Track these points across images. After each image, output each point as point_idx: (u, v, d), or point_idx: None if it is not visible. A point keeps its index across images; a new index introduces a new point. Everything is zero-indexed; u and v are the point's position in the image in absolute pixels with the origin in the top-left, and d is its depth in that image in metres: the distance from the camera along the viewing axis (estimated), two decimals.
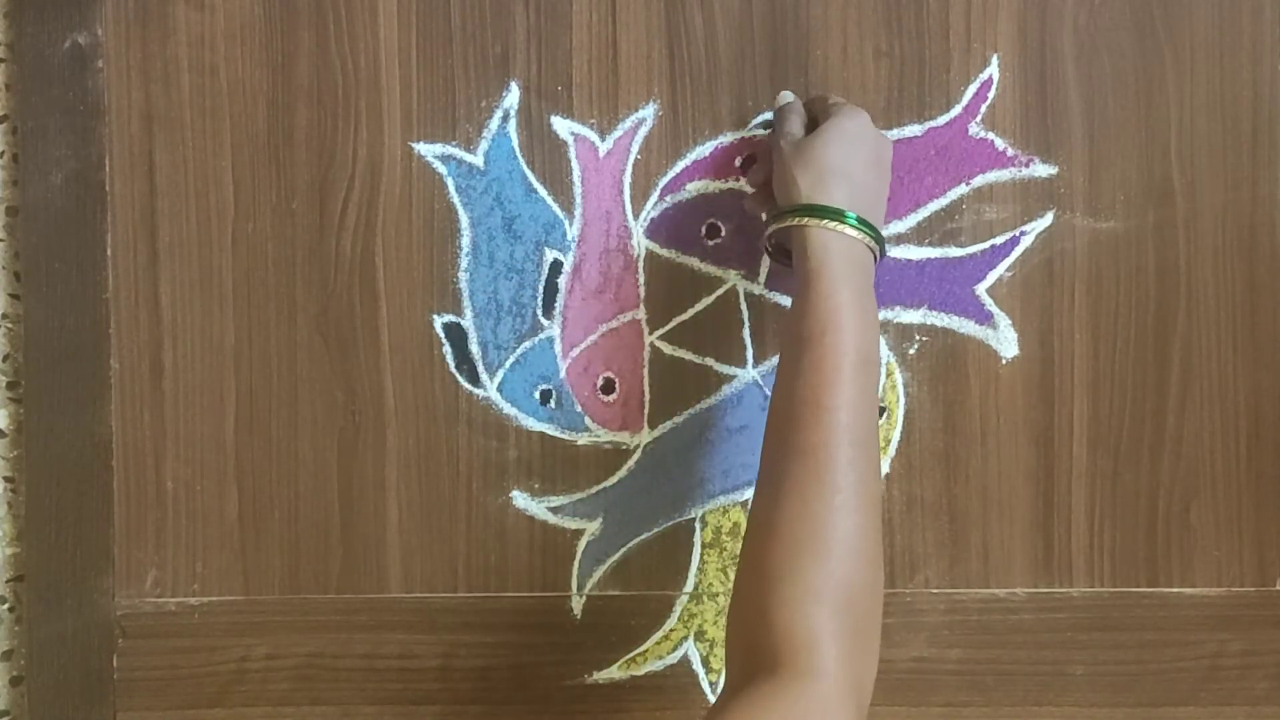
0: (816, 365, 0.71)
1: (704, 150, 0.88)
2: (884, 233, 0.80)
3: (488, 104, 0.88)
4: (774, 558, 0.67)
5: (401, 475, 0.88)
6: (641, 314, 0.88)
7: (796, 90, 0.87)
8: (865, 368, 0.72)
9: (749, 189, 0.87)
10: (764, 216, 0.83)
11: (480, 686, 0.88)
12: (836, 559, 0.67)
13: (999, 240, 0.88)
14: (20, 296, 0.88)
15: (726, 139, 0.88)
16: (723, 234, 0.88)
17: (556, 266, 0.88)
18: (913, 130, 0.87)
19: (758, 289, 0.88)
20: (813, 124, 0.82)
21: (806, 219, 0.76)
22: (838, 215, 0.76)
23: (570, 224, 0.88)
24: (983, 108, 0.87)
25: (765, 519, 0.70)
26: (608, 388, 0.88)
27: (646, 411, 0.88)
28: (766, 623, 0.66)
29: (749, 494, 0.88)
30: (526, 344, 0.88)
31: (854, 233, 0.75)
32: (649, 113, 0.87)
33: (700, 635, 0.88)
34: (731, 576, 0.88)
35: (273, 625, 0.88)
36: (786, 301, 0.88)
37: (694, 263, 0.88)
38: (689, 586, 0.89)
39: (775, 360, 0.88)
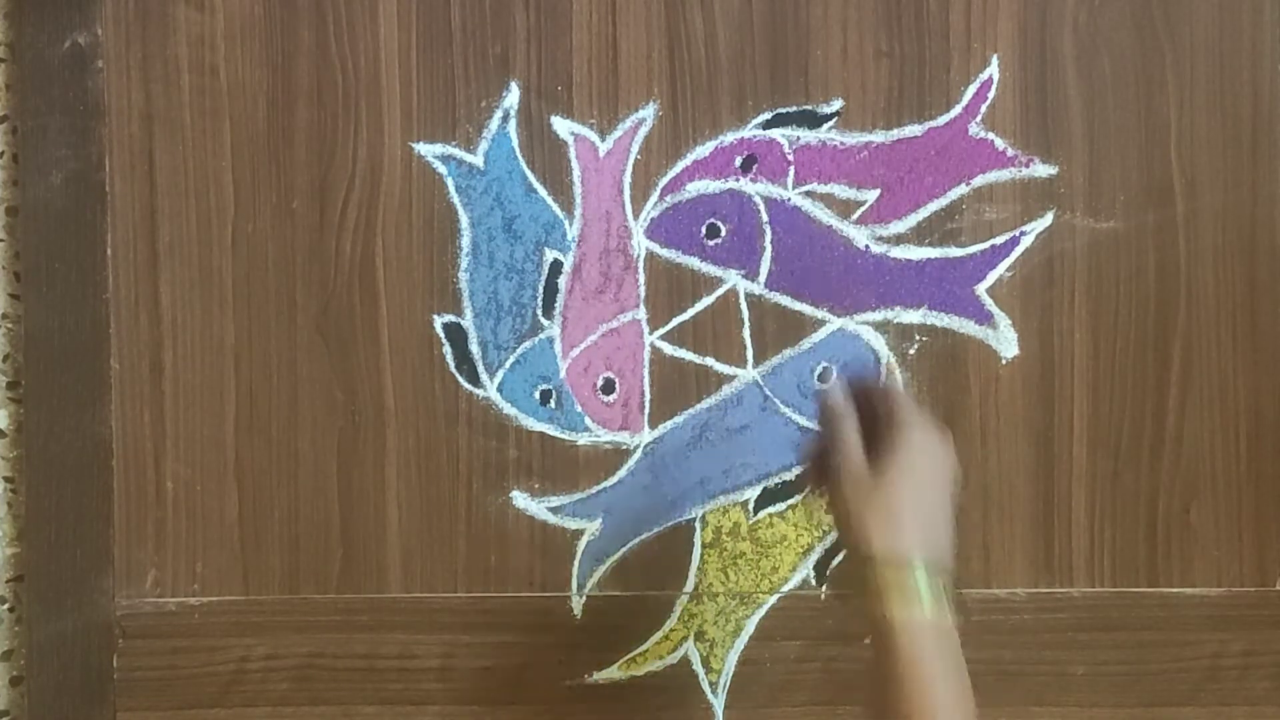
0: None
1: (704, 150, 0.88)
2: (885, 232, 0.79)
3: (488, 104, 0.88)
4: None
5: (401, 475, 0.88)
6: (641, 314, 0.88)
7: (796, 90, 0.87)
8: None
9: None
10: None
11: (480, 686, 0.88)
12: None
13: (999, 240, 0.88)
14: (20, 296, 0.88)
15: (726, 139, 0.88)
16: (723, 234, 0.88)
17: (556, 266, 0.88)
18: (913, 130, 0.87)
19: (758, 289, 0.88)
20: (868, 416, 0.72)
21: (893, 612, 0.66)
22: (918, 592, 0.66)
23: (570, 224, 0.88)
24: (983, 108, 0.87)
25: None
26: (608, 388, 0.88)
27: (646, 411, 0.88)
28: None
29: (749, 493, 0.88)
30: (526, 344, 0.88)
31: (936, 603, 0.66)
32: (649, 113, 0.87)
33: (700, 635, 0.88)
34: (732, 577, 0.88)
35: (273, 625, 0.88)
36: (787, 301, 0.88)
37: (694, 263, 0.88)
38: (689, 586, 0.89)
39: (775, 360, 0.88)
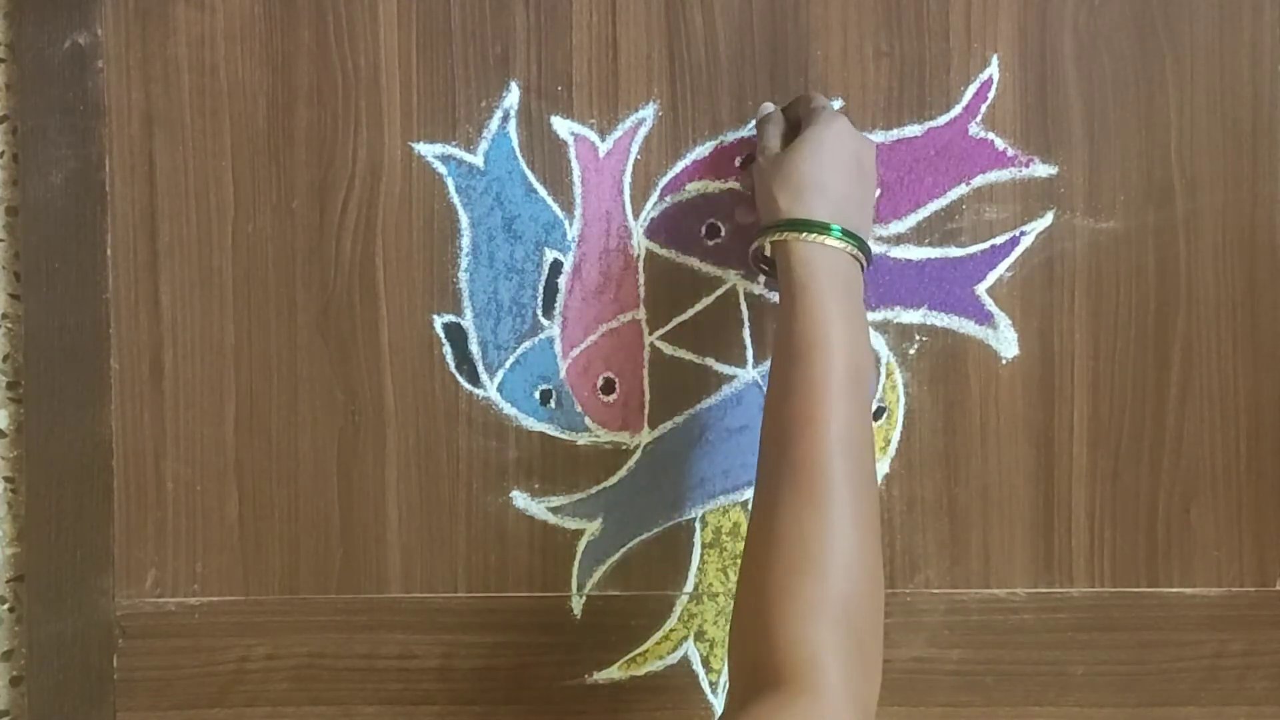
0: (805, 381, 0.71)
1: (704, 150, 0.88)
2: (885, 232, 0.80)
3: (488, 104, 0.88)
4: (773, 575, 0.67)
5: (401, 475, 0.88)
6: (641, 314, 0.88)
7: (796, 90, 0.87)
8: (856, 380, 0.72)
9: (743, 189, 0.87)
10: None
11: (480, 686, 0.88)
12: (835, 574, 0.66)
13: (999, 240, 0.88)
14: (20, 296, 0.88)
15: (726, 139, 0.88)
16: (723, 234, 0.88)
17: (556, 266, 0.88)
18: (913, 130, 0.87)
19: (758, 289, 0.88)
20: (794, 129, 0.82)
21: (787, 234, 0.76)
22: (819, 228, 0.75)
23: (570, 224, 0.88)
24: (983, 108, 0.87)
25: (762, 537, 0.69)
26: (608, 388, 0.88)
27: (646, 411, 0.88)
28: (768, 640, 0.65)
29: (749, 494, 0.88)
30: (526, 344, 0.88)
31: (836, 244, 0.75)
32: (649, 113, 0.87)
33: (700, 635, 0.88)
34: (732, 577, 0.88)
35: (273, 625, 0.88)
36: None
37: (694, 263, 0.88)
38: (689, 586, 0.89)
39: None
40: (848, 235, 0.76)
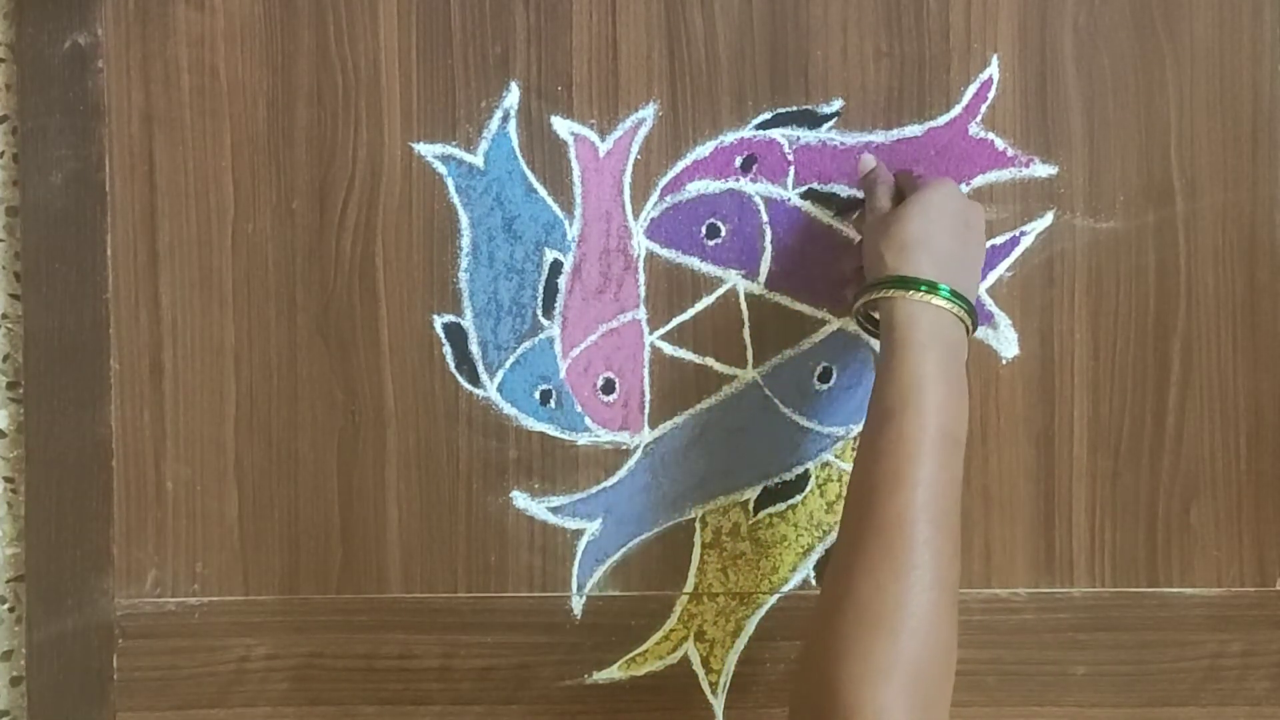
0: (897, 439, 0.70)
1: (704, 150, 0.88)
2: None
3: (488, 104, 0.88)
4: (844, 632, 0.66)
5: (401, 475, 0.88)
6: (641, 314, 0.88)
7: (796, 90, 0.87)
8: (947, 444, 0.70)
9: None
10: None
11: (480, 686, 0.88)
12: (908, 637, 0.65)
13: (999, 240, 0.88)
14: (20, 296, 0.88)
15: (726, 139, 0.88)
16: (723, 234, 0.88)
17: (556, 266, 0.88)
18: (913, 130, 0.87)
19: (758, 289, 0.88)
20: (899, 197, 0.81)
21: (892, 291, 0.75)
22: (924, 286, 0.74)
23: (570, 224, 0.88)
24: (983, 108, 0.87)
25: (837, 592, 0.68)
26: (608, 388, 0.88)
27: (646, 411, 0.88)
28: (832, 698, 0.64)
29: (749, 494, 0.88)
30: (526, 344, 0.88)
31: (941, 303, 0.74)
32: (649, 113, 0.87)
33: (700, 635, 0.88)
34: (732, 577, 0.88)
35: (273, 625, 0.88)
36: (787, 301, 0.88)
37: (694, 263, 0.88)
38: (689, 586, 0.88)
39: (775, 360, 0.88)
40: (954, 296, 0.75)
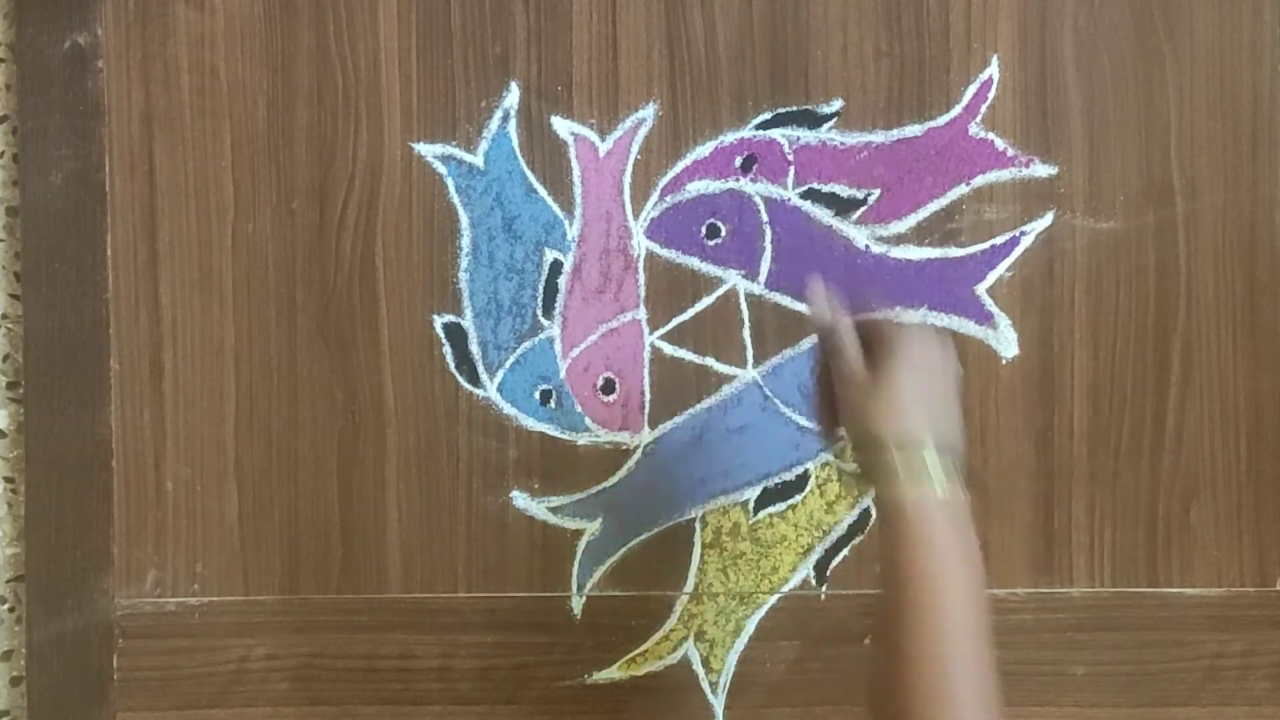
0: (926, 639, 0.69)
1: (704, 150, 0.88)
2: (885, 232, 0.79)
3: (488, 104, 0.88)
4: None
5: (401, 475, 0.88)
6: (641, 314, 0.88)
7: (796, 90, 0.87)
8: (977, 615, 0.70)
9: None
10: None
11: (480, 686, 0.88)
12: None
13: (999, 240, 0.88)
14: (20, 296, 0.88)
15: (726, 139, 0.88)
16: (723, 234, 0.88)
17: (556, 266, 0.88)
18: (913, 130, 0.87)
19: (758, 289, 0.88)
20: (863, 340, 0.75)
21: (903, 491, 0.69)
22: (925, 458, 0.70)
23: (570, 224, 0.88)
24: (983, 108, 0.87)
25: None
26: (608, 388, 0.88)
27: (646, 411, 0.88)
28: None
29: (749, 494, 0.88)
30: (526, 344, 0.88)
31: (941, 474, 0.70)
32: (649, 113, 0.87)
33: (700, 635, 0.88)
34: (732, 577, 0.88)
35: (273, 625, 0.88)
36: (787, 301, 0.88)
37: (694, 263, 0.88)
38: (689, 586, 0.88)
39: (775, 360, 0.88)
40: (951, 461, 0.71)
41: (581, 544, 0.88)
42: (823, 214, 0.88)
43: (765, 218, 0.88)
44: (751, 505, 0.88)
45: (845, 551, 0.88)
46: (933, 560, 0.69)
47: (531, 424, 0.88)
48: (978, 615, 0.70)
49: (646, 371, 0.88)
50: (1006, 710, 0.88)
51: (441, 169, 0.88)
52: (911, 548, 0.70)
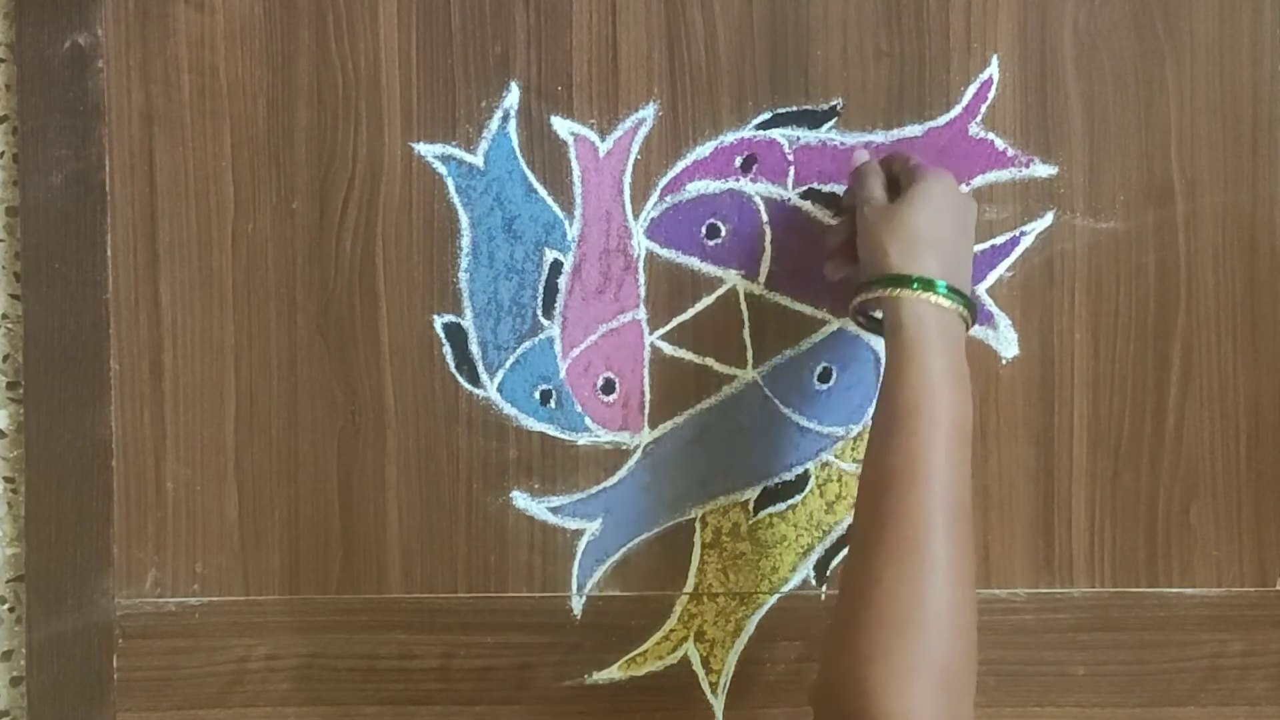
0: (911, 436, 0.70)
1: (704, 150, 0.88)
2: None
3: (488, 104, 0.88)
4: (869, 633, 0.65)
5: (401, 475, 0.88)
6: (641, 314, 0.88)
7: (796, 90, 0.87)
8: (960, 438, 0.71)
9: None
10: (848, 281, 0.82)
11: (480, 686, 0.88)
12: (934, 634, 0.65)
13: (999, 240, 0.88)
14: (20, 296, 0.88)
15: (726, 139, 0.88)
16: (723, 234, 0.88)
17: (556, 266, 0.88)
18: (913, 130, 0.87)
19: (758, 289, 0.88)
20: (891, 182, 0.81)
21: (899, 290, 0.74)
22: (930, 285, 0.74)
23: (570, 224, 0.88)
24: (983, 108, 0.87)
25: (857, 592, 0.68)
26: (608, 388, 0.88)
27: (646, 411, 0.88)
28: (862, 700, 0.64)
29: (749, 494, 0.88)
30: (526, 344, 0.88)
31: (946, 303, 0.74)
32: (649, 113, 0.87)
33: (700, 636, 0.88)
34: (732, 577, 0.88)
35: (273, 625, 0.88)
36: (787, 301, 0.88)
37: (694, 263, 0.88)
38: (689, 587, 0.88)
39: (775, 360, 0.88)
40: (956, 294, 0.75)
41: (581, 544, 0.88)
42: (823, 214, 0.88)
43: (765, 218, 0.88)
44: (751, 505, 0.88)
45: (846, 551, 0.88)
46: (928, 385, 0.71)
47: (531, 424, 0.88)
48: (961, 447, 0.71)
49: (646, 372, 0.88)
50: (1006, 711, 0.89)
51: (441, 169, 0.88)
52: (905, 358, 0.73)
